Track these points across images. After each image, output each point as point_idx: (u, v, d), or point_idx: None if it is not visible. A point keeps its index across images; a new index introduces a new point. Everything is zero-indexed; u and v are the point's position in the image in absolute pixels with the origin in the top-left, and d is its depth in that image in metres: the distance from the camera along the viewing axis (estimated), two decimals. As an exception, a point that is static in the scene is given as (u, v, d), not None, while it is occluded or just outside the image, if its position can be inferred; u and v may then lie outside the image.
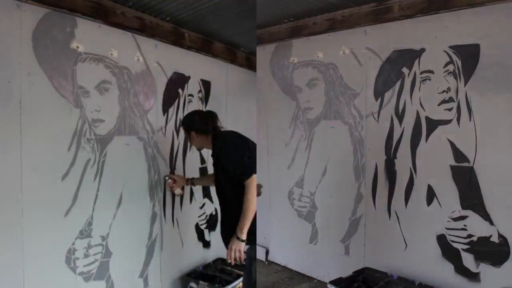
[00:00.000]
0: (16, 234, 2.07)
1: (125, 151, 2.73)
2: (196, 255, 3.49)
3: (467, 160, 2.55)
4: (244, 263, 2.25)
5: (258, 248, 3.94)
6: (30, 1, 2.11)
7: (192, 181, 3.15)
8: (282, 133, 3.76)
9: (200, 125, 2.55)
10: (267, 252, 3.94)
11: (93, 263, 2.50)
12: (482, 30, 2.46)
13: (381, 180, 3.02)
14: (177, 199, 3.27)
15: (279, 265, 3.81)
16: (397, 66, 2.89)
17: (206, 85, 3.60)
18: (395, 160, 2.93)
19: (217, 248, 3.70)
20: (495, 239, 2.44)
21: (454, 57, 2.58)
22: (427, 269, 2.75)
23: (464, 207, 2.57)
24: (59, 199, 2.29)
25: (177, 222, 3.26)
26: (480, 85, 2.48)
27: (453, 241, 2.62)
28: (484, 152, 2.48)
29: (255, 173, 2.27)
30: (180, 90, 3.28)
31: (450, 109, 2.61)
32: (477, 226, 2.51)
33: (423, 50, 2.74)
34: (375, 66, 3.02)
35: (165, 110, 3.11)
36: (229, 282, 3.03)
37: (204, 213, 3.63)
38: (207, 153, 3.63)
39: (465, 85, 2.54)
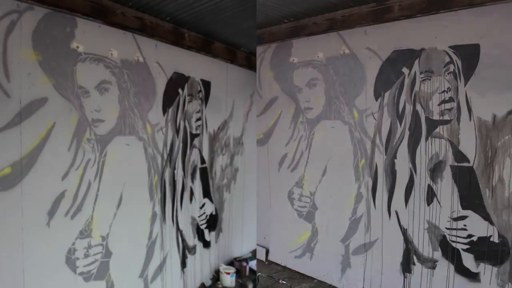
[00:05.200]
0: (16, 234, 2.08)
1: (125, 151, 2.73)
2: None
3: (467, 160, 2.55)
4: None
5: (258, 248, 3.95)
6: (30, 1, 2.11)
7: None
8: (282, 133, 3.76)
9: None
10: (267, 252, 3.94)
11: (93, 263, 2.50)
12: (482, 30, 2.45)
13: (381, 180, 3.02)
14: (177, 199, 3.27)
15: (279, 265, 3.81)
16: (397, 66, 2.88)
17: (206, 85, 3.60)
18: (395, 160, 2.93)
19: (217, 249, 3.70)
20: (495, 239, 2.44)
21: (454, 57, 2.58)
22: (427, 269, 2.75)
23: (464, 207, 2.57)
24: (59, 199, 2.29)
25: (177, 222, 3.27)
26: (480, 85, 2.48)
27: (453, 241, 2.62)
28: (484, 152, 2.48)
29: None
30: (180, 90, 3.28)
31: (450, 109, 2.61)
32: (477, 226, 2.51)
33: (423, 50, 2.74)
34: (375, 66, 3.02)
35: (165, 110, 3.11)
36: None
37: (204, 213, 3.63)
38: (208, 153, 3.63)
39: (465, 85, 2.54)
